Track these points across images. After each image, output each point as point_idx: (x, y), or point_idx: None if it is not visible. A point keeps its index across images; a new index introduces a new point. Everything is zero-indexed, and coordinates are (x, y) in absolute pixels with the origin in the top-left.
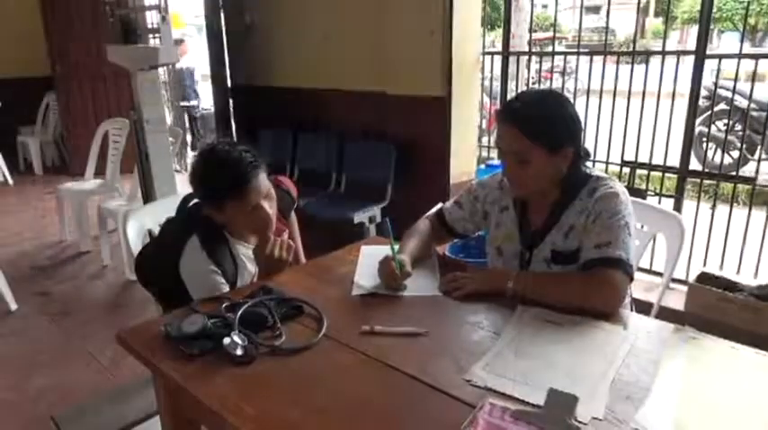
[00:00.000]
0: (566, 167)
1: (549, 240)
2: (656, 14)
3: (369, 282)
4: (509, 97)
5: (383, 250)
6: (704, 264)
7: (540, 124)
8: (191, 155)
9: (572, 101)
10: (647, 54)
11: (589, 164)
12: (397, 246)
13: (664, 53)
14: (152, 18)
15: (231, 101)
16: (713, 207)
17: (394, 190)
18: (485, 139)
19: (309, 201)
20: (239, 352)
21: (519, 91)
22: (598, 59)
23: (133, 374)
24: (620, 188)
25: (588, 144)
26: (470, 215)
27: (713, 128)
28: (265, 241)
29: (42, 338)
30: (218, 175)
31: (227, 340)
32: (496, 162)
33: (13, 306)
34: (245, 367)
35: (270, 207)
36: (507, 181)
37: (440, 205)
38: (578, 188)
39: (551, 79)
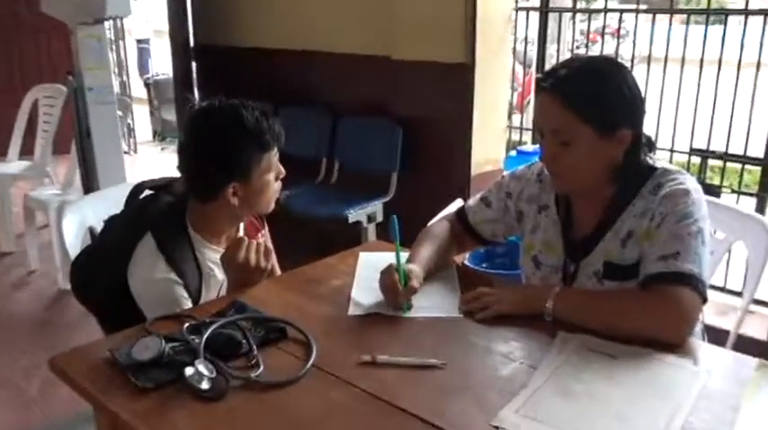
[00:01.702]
0: (621, 155)
1: (602, 249)
2: None
3: (369, 299)
4: (548, 65)
5: (387, 258)
6: None
7: (590, 96)
8: (141, 132)
9: (625, 66)
10: (725, 13)
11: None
12: (406, 254)
13: (747, 12)
14: None
15: (194, 64)
16: None
17: (399, 181)
18: (516, 118)
19: (292, 194)
20: (205, 385)
21: (560, 57)
22: (662, 19)
23: (68, 409)
24: (692, 184)
25: (648, 127)
26: (501, 215)
27: None
28: (238, 244)
29: None
30: (248, 130)
31: (189, 370)
32: (531, 148)
33: None
34: (212, 404)
35: None
36: (545, 168)
37: (459, 202)
38: (639, 184)
39: (602, 43)
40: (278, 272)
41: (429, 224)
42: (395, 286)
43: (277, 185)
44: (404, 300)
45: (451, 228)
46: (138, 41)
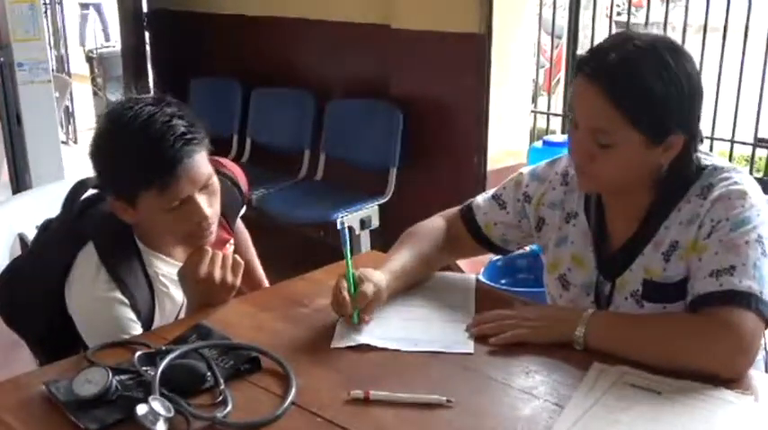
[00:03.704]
0: (668, 162)
1: (641, 264)
2: None
3: (361, 329)
4: (582, 36)
5: None
6: None
7: (644, 95)
8: (82, 117)
9: (688, 53)
10: None
11: (703, 146)
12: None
13: None
14: None
15: (148, 34)
16: None
17: (399, 178)
18: (542, 101)
19: (268, 193)
20: (161, 426)
21: (596, 26)
22: None
23: None
24: (749, 184)
25: (703, 112)
26: (517, 220)
27: None
28: (198, 255)
29: None
30: (131, 151)
31: (142, 409)
32: (560, 138)
33: None
34: None
35: (209, 203)
36: (573, 164)
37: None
38: (686, 185)
39: (648, 8)
40: (265, 283)
41: (419, 222)
42: (338, 293)
43: (194, 213)
44: (351, 309)
45: (448, 228)
46: (83, 5)
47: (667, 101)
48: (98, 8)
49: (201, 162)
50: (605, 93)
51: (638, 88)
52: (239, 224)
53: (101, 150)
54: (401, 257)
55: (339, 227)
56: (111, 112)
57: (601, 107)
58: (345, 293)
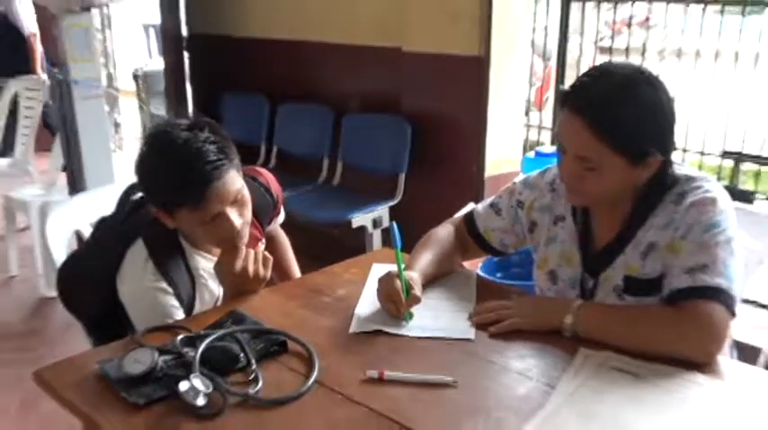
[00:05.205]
0: (647, 177)
1: (622, 262)
2: None
3: (373, 316)
4: (570, 58)
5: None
6: None
7: (624, 126)
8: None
9: (661, 82)
10: (764, 4)
11: (677, 157)
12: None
13: None
14: None
15: (187, 55)
16: None
17: (408, 183)
18: (534, 116)
19: (291, 196)
20: (201, 401)
21: (583, 50)
22: (694, 9)
23: (50, 425)
24: (718, 191)
25: (677, 127)
26: (511, 225)
27: None
28: (233, 252)
29: None
30: (166, 174)
31: (184, 385)
32: (550, 149)
33: None
34: (208, 421)
35: (240, 214)
36: (564, 183)
37: (472, 206)
38: (662, 193)
39: (629, 34)
40: (297, 274)
41: (433, 229)
42: (398, 295)
43: (225, 225)
44: (406, 310)
45: (457, 234)
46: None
47: (645, 129)
48: (147, 30)
49: (230, 180)
50: (589, 126)
51: (618, 120)
52: (279, 232)
53: (142, 168)
54: (423, 261)
55: (392, 227)
56: (152, 135)
57: (585, 139)
58: (403, 296)
